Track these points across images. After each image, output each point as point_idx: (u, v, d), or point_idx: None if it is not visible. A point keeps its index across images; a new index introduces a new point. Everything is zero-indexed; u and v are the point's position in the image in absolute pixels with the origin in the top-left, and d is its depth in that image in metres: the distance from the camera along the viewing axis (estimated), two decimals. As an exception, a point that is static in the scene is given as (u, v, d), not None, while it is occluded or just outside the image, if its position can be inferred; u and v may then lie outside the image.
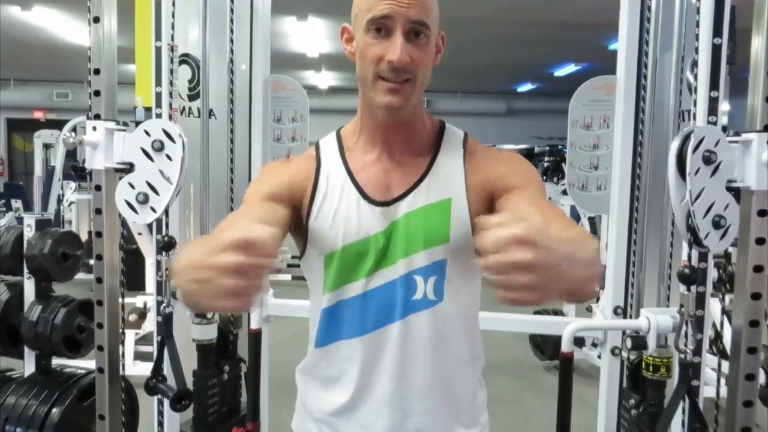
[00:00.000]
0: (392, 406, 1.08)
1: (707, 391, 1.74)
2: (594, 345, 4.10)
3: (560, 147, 10.34)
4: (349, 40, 1.09)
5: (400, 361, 1.06)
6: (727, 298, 1.58)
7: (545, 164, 10.97)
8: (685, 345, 1.52)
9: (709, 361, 1.78)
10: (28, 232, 2.50)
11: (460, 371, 1.12)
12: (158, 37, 1.79)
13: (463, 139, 1.14)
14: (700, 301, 1.53)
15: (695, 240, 1.39)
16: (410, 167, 1.09)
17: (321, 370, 1.12)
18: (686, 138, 1.38)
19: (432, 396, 1.09)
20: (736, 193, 1.39)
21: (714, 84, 1.51)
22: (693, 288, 1.52)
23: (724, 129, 1.44)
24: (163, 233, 1.81)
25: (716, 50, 1.51)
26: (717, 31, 1.50)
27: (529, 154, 11.15)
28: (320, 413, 1.13)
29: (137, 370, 3.74)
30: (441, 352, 1.08)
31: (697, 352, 1.53)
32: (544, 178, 10.40)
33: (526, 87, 12.85)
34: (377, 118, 1.08)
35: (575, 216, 7.30)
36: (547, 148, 10.95)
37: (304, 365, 1.17)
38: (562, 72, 10.70)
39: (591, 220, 7.31)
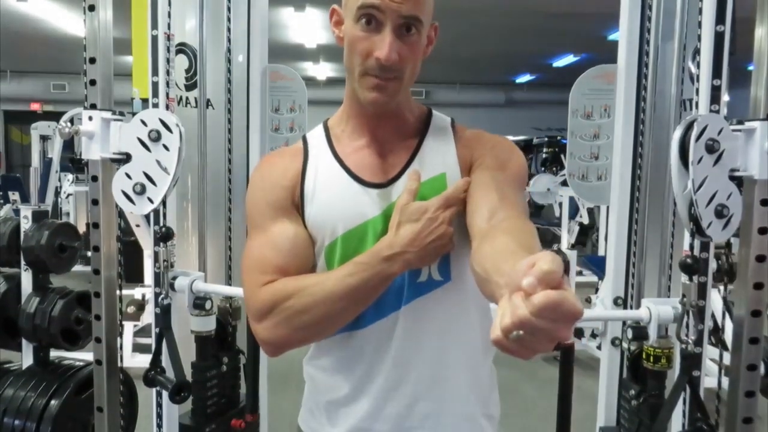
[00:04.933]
0: (399, 392, 1.06)
1: (708, 382, 1.74)
2: (594, 336, 4.10)
3: (559, 138, 10.32)
4: (338, 23, 1.06)
5: (407, 348, 1.04)
6: (725, 288, 1.57)
7: (544, 155, 10.96)
8: (687, 335, 1.52)
9: (709, 351, 1.78)
10: (25, 224, 2.48)
11: (472, 357, 1.09)
12: (154, 26, 1.77)
13: (450, 123, 1.13)
14: (702, 291, 1.52)
15: (698, 229, 1.39)
16: (400, 150, 1.08)
17: (329, 360, 1.10)
18: (689, 126, 1.36)
19: (441, 382, 1.06)
20: (739, 182, 1.38)
21: (716, 72, 1.49)
22: (695, 278, 1.51)
23: (725, 119, 1.43)
24: (161, 224, 1.80)
25: (719, 38, 1.49)
26: (720, 19, 1.48)
27: (527, 145, 11.14)
28: (328, 402, 1.11)
29: (136, 361, 3.74)
30: (450, 337, 1.06)
31: (699, 342, 1.52)
32: (543, 169, 10.40)
33: (524, 78, 12.80)
34: (364, 108, 1.05)
35: (574, 207, 7.31)
36: (546, 139, 10.94)
37: (311, 355, 1.15)
38: (560, 63, 10.66)
39: (590, 210, 7.32)
